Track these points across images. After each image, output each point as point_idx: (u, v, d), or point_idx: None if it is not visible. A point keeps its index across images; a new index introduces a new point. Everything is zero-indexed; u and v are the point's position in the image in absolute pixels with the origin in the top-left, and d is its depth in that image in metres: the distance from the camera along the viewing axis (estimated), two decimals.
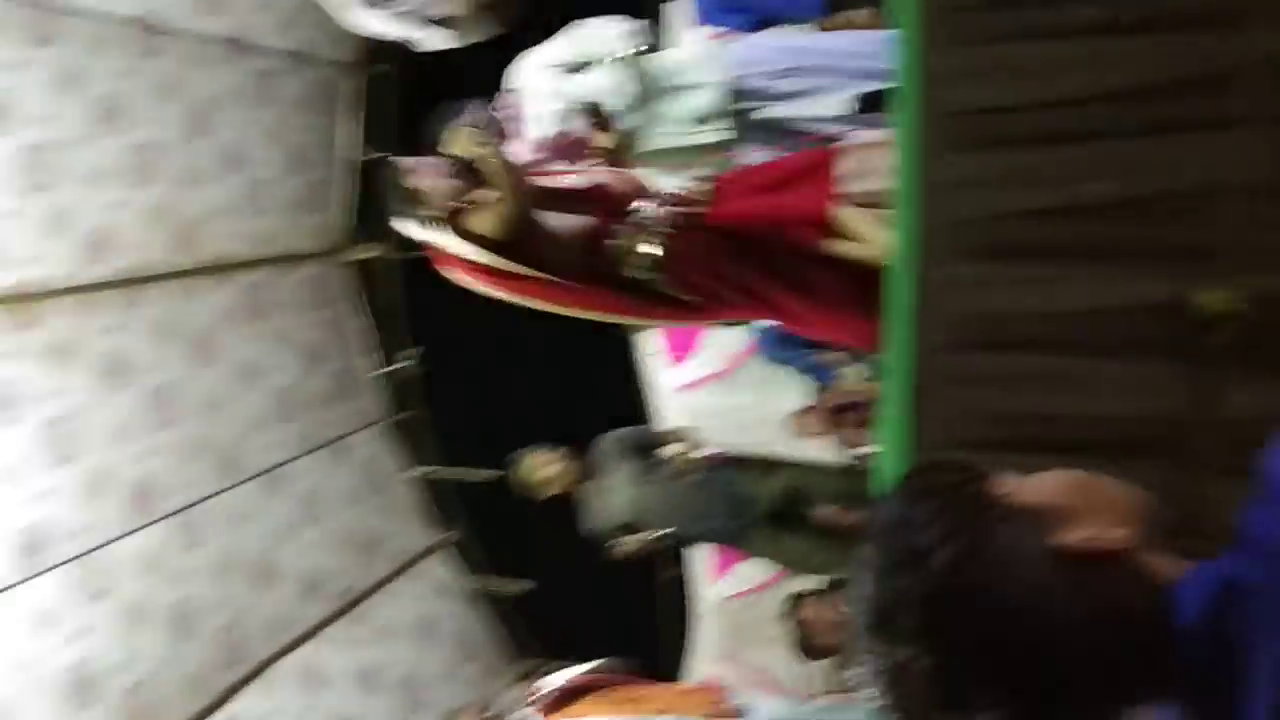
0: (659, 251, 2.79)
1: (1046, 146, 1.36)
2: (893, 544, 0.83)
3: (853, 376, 4.53)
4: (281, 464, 5.42)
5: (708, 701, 3.68)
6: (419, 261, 6.24)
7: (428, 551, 6.28)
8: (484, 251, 2.86)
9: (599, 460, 4.18)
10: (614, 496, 4.06)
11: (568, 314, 3.08)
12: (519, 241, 2.85)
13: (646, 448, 4.19)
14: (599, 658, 3.86)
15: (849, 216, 2.48)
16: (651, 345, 6.30)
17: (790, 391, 6.05)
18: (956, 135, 1.52)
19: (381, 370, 6.35)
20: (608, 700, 3.67)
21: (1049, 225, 1.41)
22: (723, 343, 6.14)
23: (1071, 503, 0.81)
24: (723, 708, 3.62)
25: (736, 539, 4.06)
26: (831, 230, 2.50)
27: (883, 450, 1.83)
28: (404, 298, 6.40)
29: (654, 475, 4.05)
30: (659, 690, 3.82)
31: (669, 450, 4.11)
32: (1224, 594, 0.73)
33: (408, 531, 6.23)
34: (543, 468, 4.17)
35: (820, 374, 4.43)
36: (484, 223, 2.86)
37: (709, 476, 4.02)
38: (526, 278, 2.88)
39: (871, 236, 2.38)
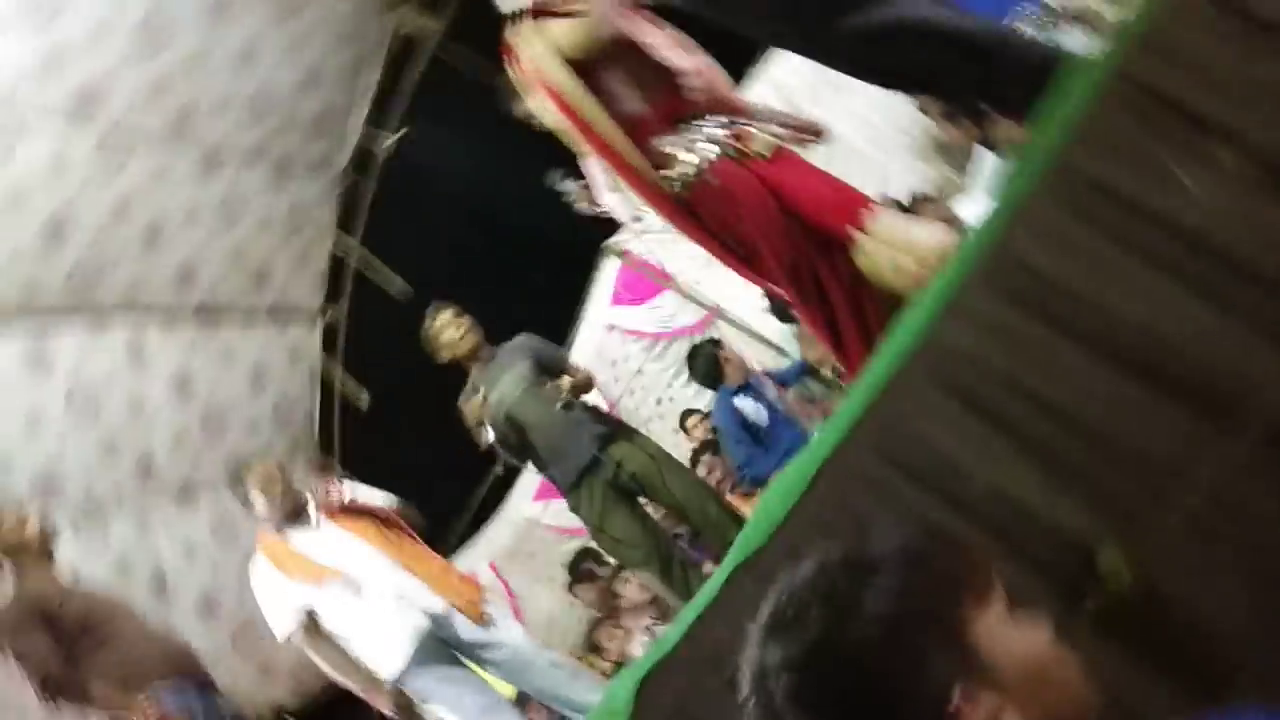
0: (695, 168, 2.64)
1: (1073, 346, 1.43)
2: (843, 579, 0.83)
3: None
4: (228, 150, 5.27)
5: (465, 591, 3.77)
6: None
7: (306, 315, 6.20)
8: (552, 64, 2.64)
9: (502, 351, 4.18)
10: (494, 389, 4.06)
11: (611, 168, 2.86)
12: (584, 72, 2.64)
13: (548, 365, 4.18)
14: (398, 495, 3.93)
15: (889, 227, 2.49)
16: (609, 275, 6.33)
17: (695, 394, 6.19)
18: (1007, 282, 1.57)
19: (364, 143, 6.20)
20: (384, 535, 3.74)
21: (1029, 411, 1.49)
22: (670, 310, 6.22)
23: (1021, 681, 0.80)
24: (475, 606, 3.70)
25: (572, 487, 4.10)
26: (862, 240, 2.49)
27: (754, 517, 1.86)
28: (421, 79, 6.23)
29: (539, 391, 4.05)
30: (429, 558, 3.89)
31: (564, 379, 4.10)
32: None
33: (299, 286, 6.13)
34: (448, 329, 4.15)
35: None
36: (561, 29, 2.64)
37: (582, 420, 4.04)
38: (586, 121, 2.68)
39: (902, 259, 2.41)
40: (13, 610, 3.27)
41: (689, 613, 1.76)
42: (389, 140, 6.31)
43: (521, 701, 4.27)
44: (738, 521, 4.10)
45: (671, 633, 1.77)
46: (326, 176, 6.19)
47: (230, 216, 5.44)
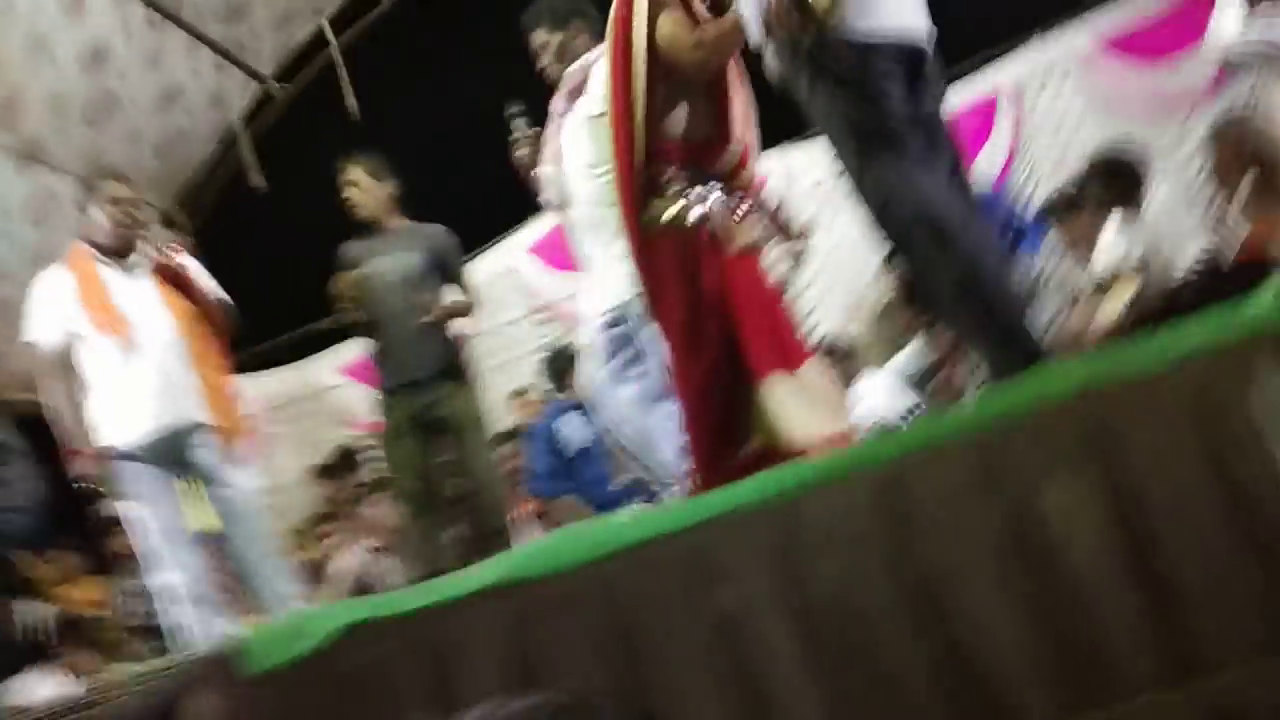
0: (679, 217, 2.59)
1: (899, 602, 1.49)
2: None
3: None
4: None
5: (231, 419, 3.56)
6: None
7: (251, 74, 5.89)
8: (642, 30, 2.57)
9: (411, 230, 4.01)
10: (372, 264, 3.90)
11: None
12: (659, 71, 2.59)
13: (443, 270, 4.03)
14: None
15: (804, 392, 2.51)
16: (545, 227, 6.21)
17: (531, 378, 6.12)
18: (882, 504, 1.59)
19: None
20: (192, 321, 3.51)
21: (830, 628, 1.53)
22: (573, 291, 6.14)
23: None
24: (231, 436, 3.52)
25: (388, 393, 3.96)
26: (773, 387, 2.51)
27: (541, 550, 1.85)
28: None
29: (413, 292, 3.88)
30: (219, 369, 3.62)
31: (446, 300, 3.95)
32: None
33: (263, 43, 5.83)
34: (349, 183, 3.95)
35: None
36: (670, 24, 2.59)
37: (434, 342, 3.90)
38: (623, 100, 2.62)
39: (802, 421, 2.44)
40: None
41: (433, 592, 1.72)
42: None
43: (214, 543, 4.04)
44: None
45: (406, 598, 1.72)
46: None
47: None
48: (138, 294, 3.44)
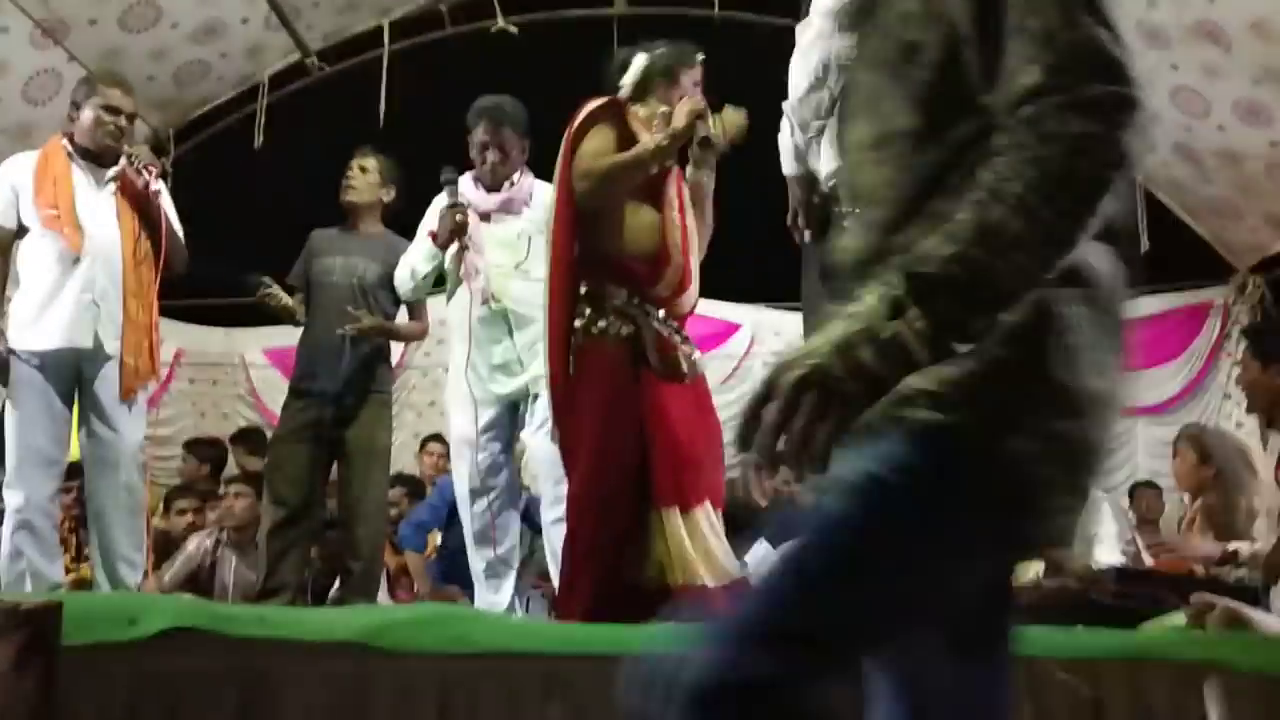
0: (613, 330, 2.62)
1: None
2: None
3: None
4: None
5: (144, 361, 3.36)
6: None
7: None
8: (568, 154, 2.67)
9: (387, 241, 3.88)
10: (338, 260, 3.86)
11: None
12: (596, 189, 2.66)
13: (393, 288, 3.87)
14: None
15: (707, 534, 2.50)
16: None
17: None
18: None
19: None
20: (138, 252, 3.36)
21: None
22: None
23: None
24: (136, 378, 3.33)
25: (295, 394, 3.84)
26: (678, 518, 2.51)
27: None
28: None
29: (363, 302, 3.78)
30: (150, 305, 3.44)
31: (372, 317, 3.77)
32: None
33: None
34: (356, 169, 3.87)
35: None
36: (589, 143, 2.66)
37: (353, 358, 3.74)
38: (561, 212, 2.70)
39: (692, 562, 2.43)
40: None
41: (272, 623, 1.61)
42: None
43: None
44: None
45: (245, 619, 1.61)
46: None
47: None
48: (99, 205, 3.30)
